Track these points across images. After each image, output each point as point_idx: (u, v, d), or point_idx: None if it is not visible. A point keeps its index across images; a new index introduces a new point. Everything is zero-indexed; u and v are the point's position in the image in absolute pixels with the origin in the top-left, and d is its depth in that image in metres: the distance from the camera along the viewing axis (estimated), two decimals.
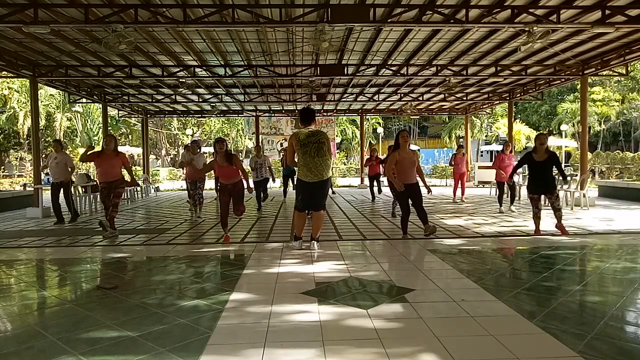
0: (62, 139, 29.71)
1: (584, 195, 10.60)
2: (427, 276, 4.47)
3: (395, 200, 8.96)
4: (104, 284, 4.36)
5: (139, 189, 15.59)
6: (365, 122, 23.86)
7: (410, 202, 6.65)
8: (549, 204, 6.89)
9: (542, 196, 7.03)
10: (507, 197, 10.22)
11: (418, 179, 6.65)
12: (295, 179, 11.02)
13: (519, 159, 7.61)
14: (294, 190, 6.67)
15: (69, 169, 9.33)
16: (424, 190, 6.78)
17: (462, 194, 12.49)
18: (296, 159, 5.74)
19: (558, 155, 7.31)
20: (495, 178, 10.49)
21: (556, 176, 7.25)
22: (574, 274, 4.85)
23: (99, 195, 8.12)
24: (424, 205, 6.64)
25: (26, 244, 6.89)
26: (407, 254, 5.65)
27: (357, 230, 7.70)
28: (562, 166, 6.88)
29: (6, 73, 12.13)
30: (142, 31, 9.03)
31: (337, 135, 31.34)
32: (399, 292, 3.89)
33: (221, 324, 3.20)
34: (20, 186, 19.32)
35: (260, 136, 20.85)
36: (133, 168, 26.92)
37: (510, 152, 10.29)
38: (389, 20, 8.24)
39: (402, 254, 5.65)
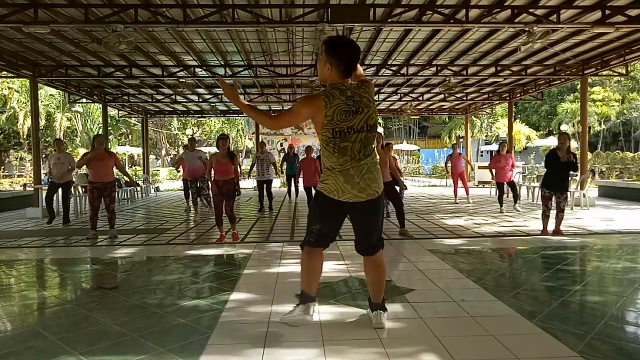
0: (62, 139, 29.78)
1: (584, 195, 10.60)
2: (427, 276, 4.46)
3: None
4: (104, 284, 4.36)
5: (139, 189, 15.58)
6: None
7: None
8: (555, 204, 6.83)
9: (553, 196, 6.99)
10: (507, 196, 10.21)
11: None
12: (298, 182, 10.00)
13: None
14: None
15: (69, 168, 9.28)
16: (407, 192, 6.88)
17: (467, 193, 12.14)
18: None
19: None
20: (494, 178, 10.45)
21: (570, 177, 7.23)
22: (574, 274, 4.85)
23: (88, 196, 7.87)
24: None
25: (26, 244, 6.89)
26: (407, 254, 5.64)
27: None
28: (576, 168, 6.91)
29: (6, 73, 12.12)
30: (142, 31, 9.02)
31: None
32: (399, 292, 3.89)
33: (221, 324, 3.20)
34: (20, 186, 19.34)
35: (260, 136, 20.85)
36: (133, 168, 27.06)
37: (507, 152, 10.27)
38: (389, 20, 8.24)
39: (402, 254, 5.65)
